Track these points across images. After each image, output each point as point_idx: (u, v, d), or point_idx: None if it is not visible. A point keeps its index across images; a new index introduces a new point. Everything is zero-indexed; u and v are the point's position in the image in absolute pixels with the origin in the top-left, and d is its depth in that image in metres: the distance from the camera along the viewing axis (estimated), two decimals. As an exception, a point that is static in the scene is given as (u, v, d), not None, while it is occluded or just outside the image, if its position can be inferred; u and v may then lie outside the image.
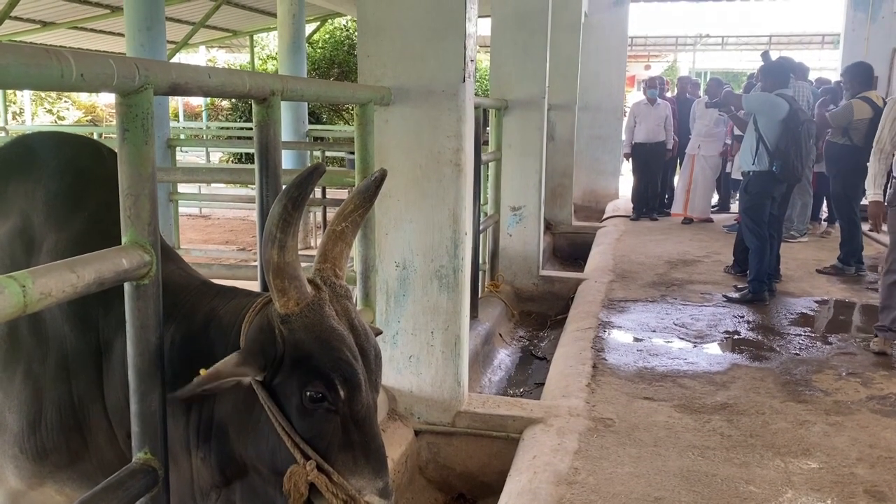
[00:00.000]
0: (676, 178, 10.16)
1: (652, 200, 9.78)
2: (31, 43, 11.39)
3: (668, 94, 10.63)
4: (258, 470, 1.55)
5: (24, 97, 17.69)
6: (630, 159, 9.72)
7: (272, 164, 2.14)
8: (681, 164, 10.00)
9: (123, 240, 1.52)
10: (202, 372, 1.42)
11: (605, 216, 10.19)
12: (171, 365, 1.59)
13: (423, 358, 3.42)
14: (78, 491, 1.73)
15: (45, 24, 11.38)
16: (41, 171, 1.83)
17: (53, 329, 1.69)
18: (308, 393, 1.44)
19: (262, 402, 1.47)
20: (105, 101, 22.16)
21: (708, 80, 10.19)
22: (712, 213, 9.63)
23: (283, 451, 1.47)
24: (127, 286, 1.53)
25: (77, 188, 1.80)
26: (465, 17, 3.13)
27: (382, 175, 1.64)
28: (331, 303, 1.50)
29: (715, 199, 10.08)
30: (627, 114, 9.81)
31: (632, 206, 9.80)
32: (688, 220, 9.23)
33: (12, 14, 9.33)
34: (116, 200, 1.54)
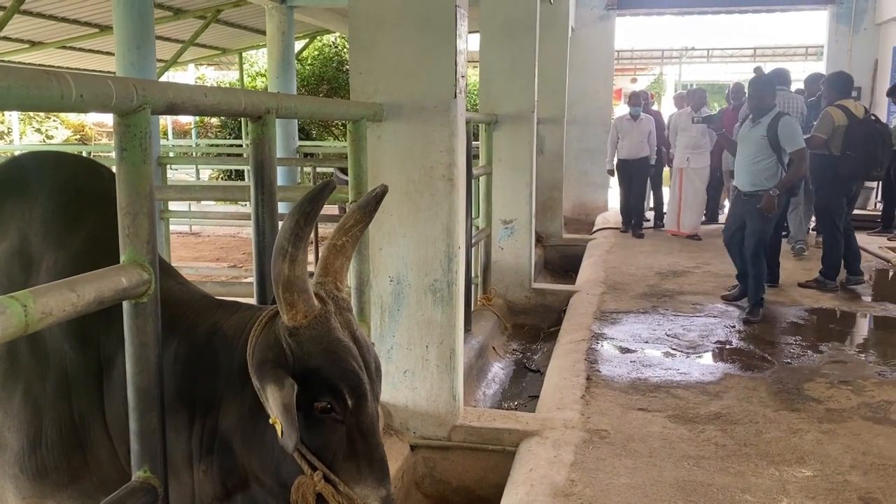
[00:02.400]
0: (666, 192, 10.01)
1: (637, 216, 9.53)
2: (19, 63, 11.41)
3: (654, 108, 10.76)
4: (261, 482, 1.56)
5: (12, 117, 17.62)
6: (614, 175, 9.55)
7: (267, 181, 2.15)
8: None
9: (122, 258, 1.53)
10: (272, 421, 1.42)
11: (595, 228, 10.24)
12: (174, 378, 1.60)
13: (418, 372, 3.43)
14: None
15: (34, 44, 11.39)
16: (38, 190, 1.84)
17: (53, 347, 1.69)
18: (317, 404, 1.46)
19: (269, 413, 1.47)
20: (93, 119, 22.11)
21: (689, 90, 9.84)
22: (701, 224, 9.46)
23: (288, 462, 1.48)
24: (126, 305, 1.54)
25: (75, 207, 1.81)
26: (456, 34, 3.16)
27: (383, 191, 1.67)
28: (337, 315, 1.53)
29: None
30: (611, 129, 9.57)
31: (621, 218, 9.67)
32: (693, 237, 8.89)
33: (0, 34, 9.34)
34: (114, 219, 1.56)
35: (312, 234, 9.25)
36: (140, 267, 1.53)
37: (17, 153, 12.80)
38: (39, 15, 9.89)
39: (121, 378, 1.64)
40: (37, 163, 1.99)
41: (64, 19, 10.37)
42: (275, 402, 1.40)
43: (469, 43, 3.86)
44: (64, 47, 11.80)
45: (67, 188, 1.86)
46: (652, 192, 10.18)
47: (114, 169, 1.70)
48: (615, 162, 9.36)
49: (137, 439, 1.58)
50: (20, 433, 1.69)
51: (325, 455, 1.47)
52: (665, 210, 9.82)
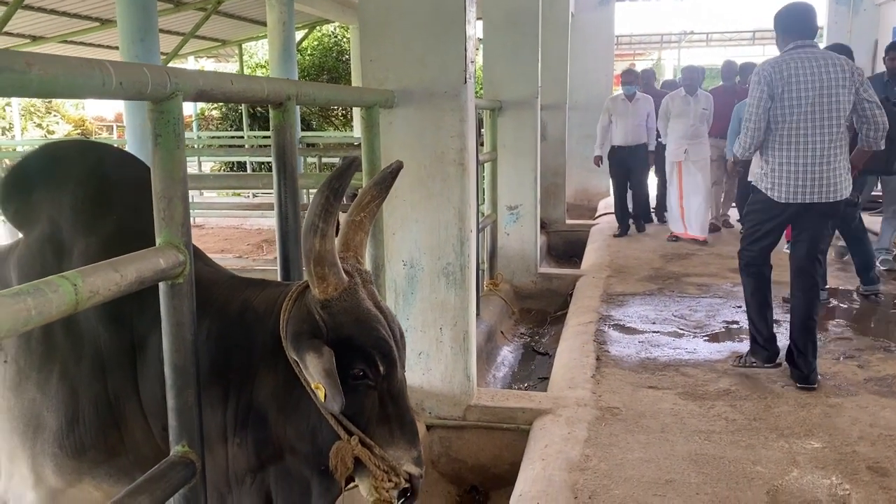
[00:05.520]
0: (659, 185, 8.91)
1: (638, 210, 8.44)
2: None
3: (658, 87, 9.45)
4: (296, 451, 1.62)
5: (14, 112, 17.64)
6: (602, 164, 8.37)
7: (289, 167, 2.20)
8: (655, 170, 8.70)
9: (158, 240, 1.58)
10: (315, 387, 1.49)
11: (597, 213, 10.29)
12: (208, 356, 1.66)
13: (432, 354, 3.49)
14: (114, 486, 1.78)
15: (35, 39, 11.42)
16: (67, 177, 1.87)
17: (87, 329, 1.74)
18: (352, 371, 1.53)
19: (305, 383, 1.54)
20: (93, 113, 22.14)
21: (682, 68, 8.23)
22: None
23: (324, 429, 1.55)
24: (162, 285, 1.59)
25: (103, 193, 1.85)
26: (465, 20, 3.20)
27: (398, 166, 1.71)
28: (361, 287, 1.59)
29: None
30: (602, 111, 8.32)
31: (617, 220, 8.41)
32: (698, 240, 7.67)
33: (2, 30, 9.36)
34: (143, 204, 1.61)
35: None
36: (176, 249, 1.58)
37: (19, 148, 12.82)
38: (41, 9, 9.90)
39: (154, 357, 1.70)
40: (64, 151, 2.03)
41: (65, 13, 10.39)
42: (316, 368, 1.47)
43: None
44: (65, 41, 11.82)
45: (95, 175, 1.90)
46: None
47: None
48: (608, 149, 8.25)
49: (175, 416, 1.64)
50: (58, 413, 1.74)
51: (359, 420, 1.55)
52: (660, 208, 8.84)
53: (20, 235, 1.91)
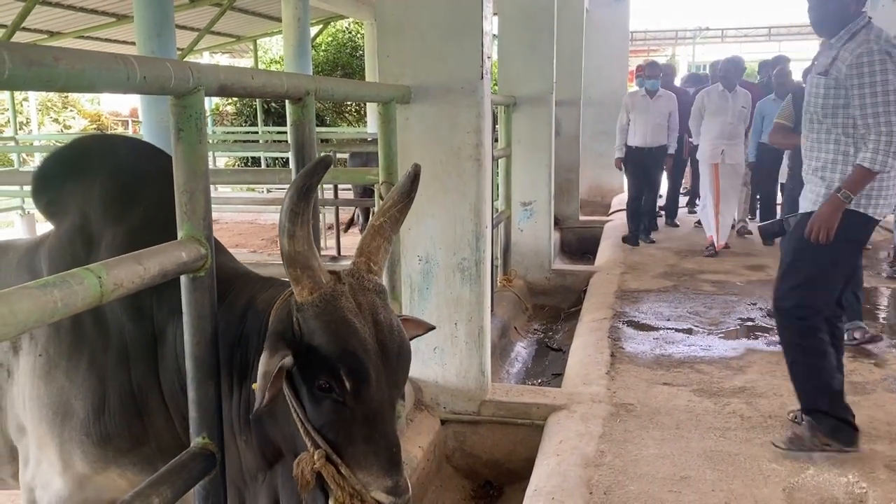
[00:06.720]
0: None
1: (650, 219, 7.82)
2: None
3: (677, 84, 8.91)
4: (286, 453, 1.61)
5: (31, 107, 17.79)
6: (623, 166, 7.79)
7: (308, 161, 2.22)
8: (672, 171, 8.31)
9: (180, 234, 1.60)
10: (254, 386, 1.44)
11: (611, 210, 10.26)
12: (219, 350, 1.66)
13: (447, 349, 3.50)
14: (139, 475, 1.80)
15: (53, 34, 11.50)
16: (97, 170, 1.90)
17: (113, 320, 1.76)
18: (317, 381, 1.45)
19: (286, 386, 1.49)
20: (108, 108, 22.29)
21: (725, 60, 7.26)
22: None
23: (300, 437, 1.49)
24: (183, 279, 1.61)
25: (132, 186, 1.87)
26: (482, 16, 3.21)
27: (416, 171, 1.67)
28: (354, 295, 1.49)
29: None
30: (621, 108, 7.64)
31: (628, 226, 7.73)
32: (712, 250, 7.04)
33: (20, 25, 9.44)
34: (169, 197, 1.62)
35: (331, 221, 9.32)
36: (197, 242, 1.60)
37: (36, 143, 12.93)
38: (58, 5, 9.98)
39: (172, 349, 1.72)
40: (94, 145, 2.06)
41: (82, 9, 10.46)
42: (260, 367, 1.42)
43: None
44: (81, 37, 11.90)
45: (124, 168, 1.92)
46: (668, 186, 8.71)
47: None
48: (625, 150, 7.60)
49: (195, 407, 1.66)
50: (86, 401, 1.77)
51: (329, 435, 1.46)
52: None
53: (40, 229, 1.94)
